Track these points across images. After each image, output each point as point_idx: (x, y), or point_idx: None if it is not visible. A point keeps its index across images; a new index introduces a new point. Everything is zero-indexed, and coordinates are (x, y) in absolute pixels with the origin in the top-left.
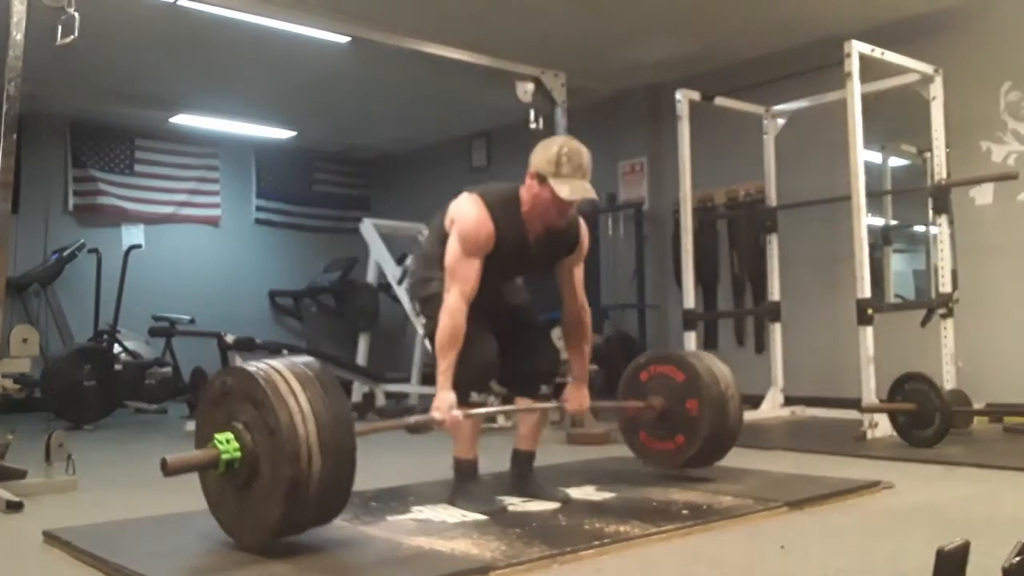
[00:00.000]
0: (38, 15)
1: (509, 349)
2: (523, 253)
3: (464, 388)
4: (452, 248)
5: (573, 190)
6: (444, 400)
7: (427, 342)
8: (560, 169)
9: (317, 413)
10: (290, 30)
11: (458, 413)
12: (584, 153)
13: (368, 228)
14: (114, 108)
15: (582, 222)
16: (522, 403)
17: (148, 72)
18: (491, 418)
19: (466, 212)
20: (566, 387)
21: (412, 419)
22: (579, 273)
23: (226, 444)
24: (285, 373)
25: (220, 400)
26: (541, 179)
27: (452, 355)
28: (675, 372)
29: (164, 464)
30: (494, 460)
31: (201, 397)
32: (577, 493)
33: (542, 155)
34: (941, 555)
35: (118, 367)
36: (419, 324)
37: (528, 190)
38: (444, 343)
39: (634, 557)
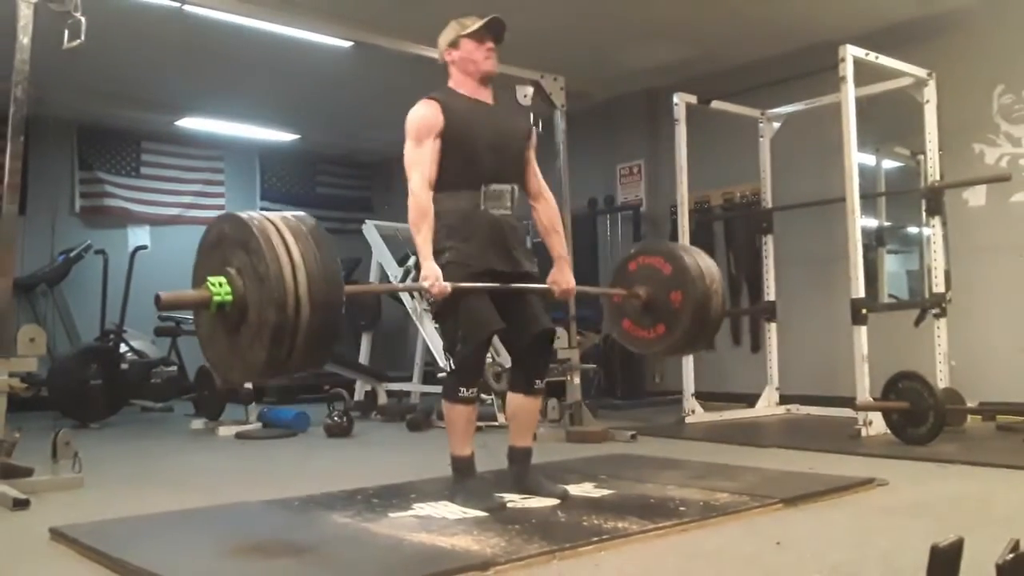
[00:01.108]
0: (45, 19)
1: (511, 326)
2: (487, 118)
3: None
4: (406, 147)
5: (485, 22)
6: (431, 270)
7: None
8: (463, 23)
9: (308, 264)
10: (294, 35)
11: (446, 285)
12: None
13: (370, 230)
14: (120, 111)
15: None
16: (514, 400)
17: (154, 76)
18: (491, 416)
19: (410, 113)
20: (551, 271)
21: (401, 284)
22: (533, 157)
23: (218, 287)
24: (279, 224)
25: (216, 245)
26: (454, 44)
27: (425, 228)
28: (663, 264)
29: (158, 299)
30: (494, 458)
31: (200, 241)
32: (576, 490)
33: (444, 33)
34: (935, 551)
35: (124, 366)
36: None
37: (453, 68)
38: (415, 219)
39: (632, 553)
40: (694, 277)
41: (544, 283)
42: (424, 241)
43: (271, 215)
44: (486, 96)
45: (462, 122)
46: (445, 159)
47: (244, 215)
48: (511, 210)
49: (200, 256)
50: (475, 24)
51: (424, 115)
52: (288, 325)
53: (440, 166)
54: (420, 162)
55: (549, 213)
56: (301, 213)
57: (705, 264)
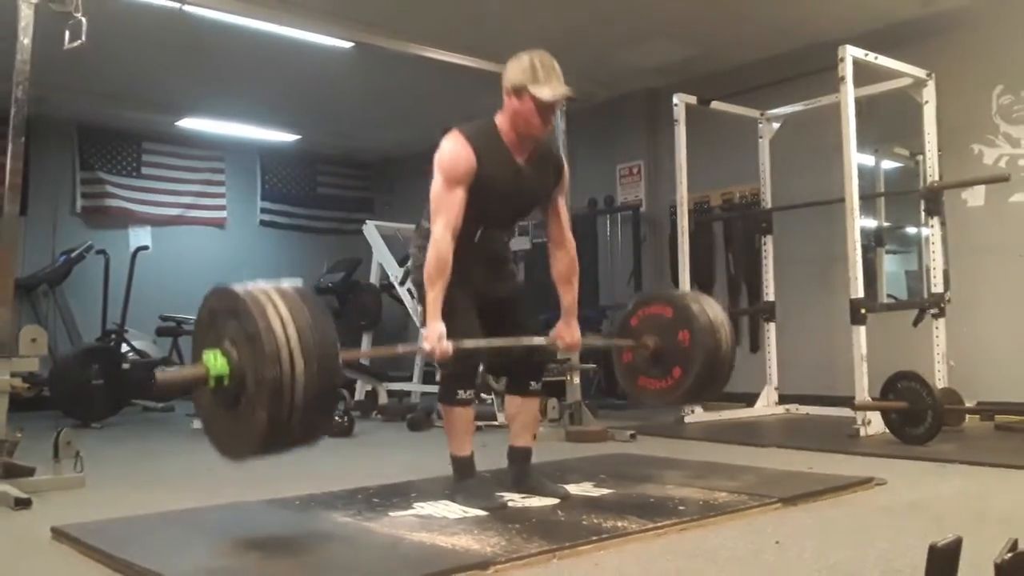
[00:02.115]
0: (46, 20)
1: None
2: (515, 179)
3: (451, 388)
4: (435, 184)
5: (554, 91)
6: (434, 331)
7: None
8: (536, 75)
9: (296, 319)
10: (294, 36)
11: (447, 345)
12: (554, 61)
13: (371, 230)
14: (121, 112)
15: (562, 150)
16: (512, 402)
17: (155, 76)
18: (490, 416)
19: (444, 147)
20: (558, 322)
21: (400, 348)
22: (563, 205)
23: (214, 361)
24: (266, 288)
25: (209, 323)
26: (519, 91)
27: (440, 286)
28: (663, 309)
29: (154, 380)
30: (494, 457)
31: (195, 320)
32: (576, 489)
33: (516, 68)
34: (933, 551)
35: (126, 366)
36: (417, 314)
37: (506, 111)
38: (432, 274)
39: (632, 552)
40: (696, 313)
41: (529, 318)
42: (436, 298)
43: (258, 283)
44: (527, 148)
45: (489, 179)
46: None
47: (232, 287)
48: (502, 244)
49: (196, 334)
50: (547, 90)
51: (461, 161)
52: (285, 381)
53: None
54: (448, 209)
55: (567, 263)
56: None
57: (706, 301)
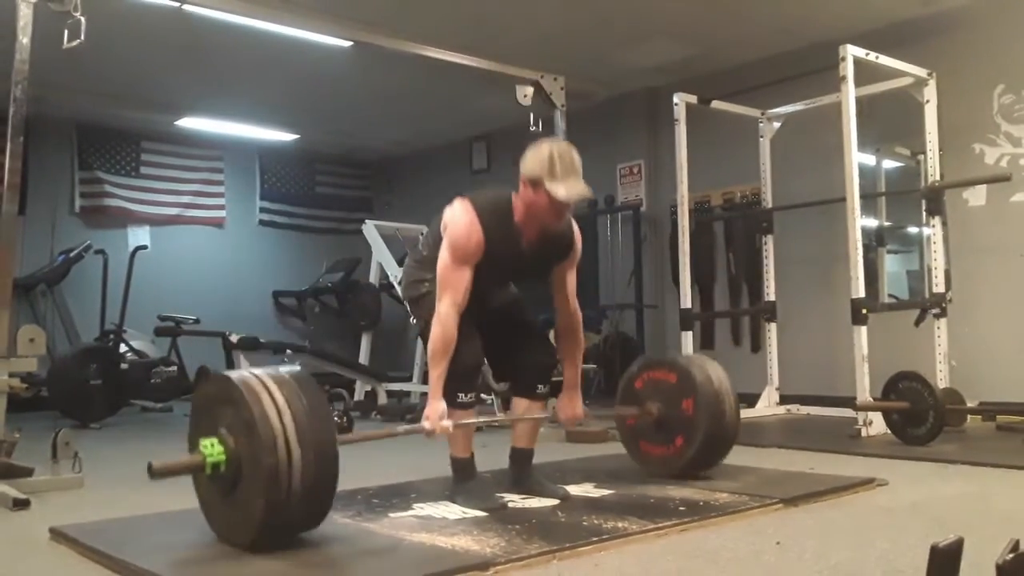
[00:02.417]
0: (44, 19)
1: (504, 347)
2: (516, 260)
3: (451, 391)
4: (443, 257)
5: (569, 191)
6: (434, 410)
7: (420, 340)
8: (554, 170)
9: (292, 406)
10: (293, 35)
11: (447, 423)
12: (574, 153)
13: (370, 229)
14: (120, 111)
15: (575, 226)
16: (519, 404)
17: (154, 76)
18: (491, 415)
19: (457, 220)
20: (559, 396)
21: (402, 429)
22: (572, 279)
23: (211, 448)
24: (260, 375)
25: (204, 409)
26: (535, 184)
27: (444, 364)
28: (667, 375)
29: (150, 468)
30: (494, 457)
31: (191, 408)
32: (576, 490)
33: (533, 159)
34: (935, 551)
35: (124, 366)
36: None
37: (522, 197)
38: (436, 352)
39: (632, 553)
40: (701, 381)
41: (531, 317)
42: (439, 377)
43: (255, 370)
44: (538, 233)
45: (490, 257)
46: None
47: (227, 374)
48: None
49: (192, 420)
50: (563, 188)
51: (471, 243)
52: (281, 468)
53: None
54: (455, 288)
55: (572, 342)
56: (288, 367)
57: (711, 367)
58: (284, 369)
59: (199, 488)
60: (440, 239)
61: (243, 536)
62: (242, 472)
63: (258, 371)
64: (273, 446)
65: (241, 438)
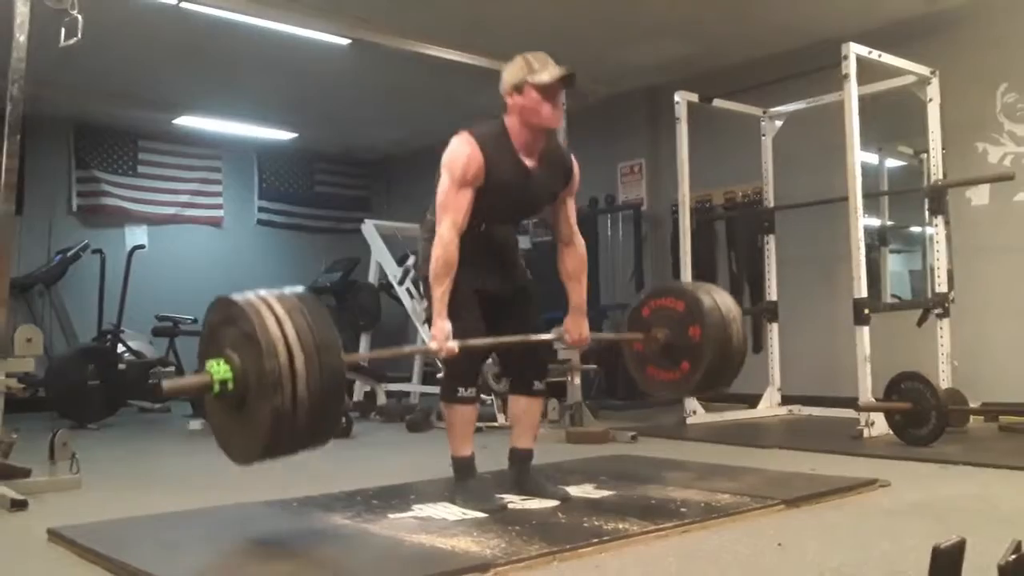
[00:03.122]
0: (41, 17)
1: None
2: (521, 189)
3: (452, 386)
4: (442, 183)
5: (552, 73)
6: (440, 329)
7: (424, 328)
8: (531, 66)
9: (292, 315)
10: (292, 32)
11: (454, 344)
12: (546, 53)
13: (369, 229)
14: (117, 110)
15: (571, 154)
16: (516, 402)
17: (151, 74)
18: (491, 417)
19: (453, 147)
20: (565, 318)
21: (408, 349)
22: (573, 206)
23: (217, 367)
24: (261, 293)
25: (210, 336)
26: (519, 87)
27: (446, 285)
28: (675, 303)
29: (159, 388)
30: (494, 458)
31: (200, 337)
32: (576, 491)
33: (510, 69)
34: (937, 553)
35: (122, 367)
36: (416, 312)
37: (513, 112)
38: (438, 272)
39: (633, 554)
40: (708, 309)
41: (535, 317)
42: (442, 296)
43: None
44: (537, 149)
45: (497, 181)
46: None
47: (228, 295)
48: (509, 236)
49: (200, 349)
50: (544, 74)
51: (469, 163)
52: (284, 372)
53: None
54: (455, 210)
55: (575, 262)
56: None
57: (719, 295)
58: (288, 288)
59: (211, 416)
60: None
61: (252, 448)
62: (249, 386)
63: (259, 291)
64: (274, 351)
65: (245, 352)
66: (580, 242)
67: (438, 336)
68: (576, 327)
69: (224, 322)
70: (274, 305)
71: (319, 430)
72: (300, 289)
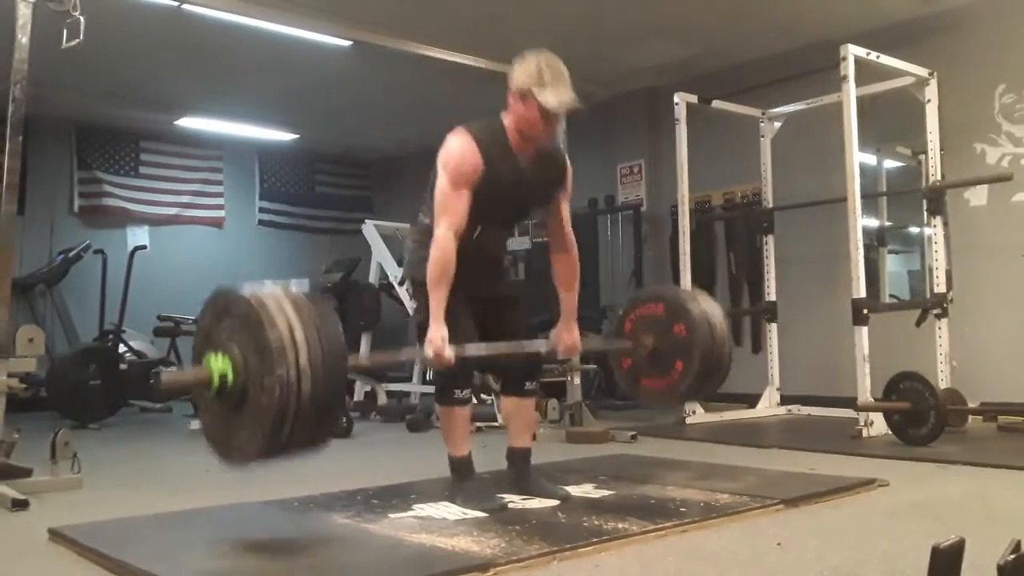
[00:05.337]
0: (43, 18)
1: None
2: (516, 186)
3: (446, 387)
4: (439, 183)
5: (559, 99)
6: (436, 334)
7: (417, 329)
8: (543, 79)
9: (303, 316)
10: (293, 34)
11: (451, 352)
12: (562, 64)
13: (370, 229)
14: (119, 111)
15: (566, 155)
16: (508, 403)
17: (153, 75)
18: (490, 416)
19: (452, 146)
20: (557, 324)
21: (404, 354)
22: (565, 207)
23: (216, 361)
24: (271, 288)
25: (209, 328)
26: (524, 95)
27: (443, 289)
28: (654, 307)
29: (158, 382)
30: (494, 457)
31: (197, 322)
32: (576, 491)
33: (521, 71)
34: (936, 552)
35: (123, 366)
36: (410, 308)
37: (513, 112)
38: (435, 276)
39: (632, 554)
40: (688, 304)
41: (524, 322)
42: (439, 301)
43: (265, 286)
44: (533, 148)
45: (493, 181)
46: None
47: (234, 288)
48: (500, 243)
49: (196, 340)
50: (552, 97)
51: (468, 163)
52: (291, 377)
53: None
54: (453, 211)
55: (568, 269)
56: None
57: (695, 293)
58: (293, 285)
59: (203, 408)
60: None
61: (249, 450)
62: (249, 385)
63: (268, 285)
64: (283, 356)
65: (249, 347)
66: (574, 248)
67: (434, 342)
68: (568, 335)
69: (229, 314)
70: (284, 304)
71: (319, 431)
72: (307, 288)
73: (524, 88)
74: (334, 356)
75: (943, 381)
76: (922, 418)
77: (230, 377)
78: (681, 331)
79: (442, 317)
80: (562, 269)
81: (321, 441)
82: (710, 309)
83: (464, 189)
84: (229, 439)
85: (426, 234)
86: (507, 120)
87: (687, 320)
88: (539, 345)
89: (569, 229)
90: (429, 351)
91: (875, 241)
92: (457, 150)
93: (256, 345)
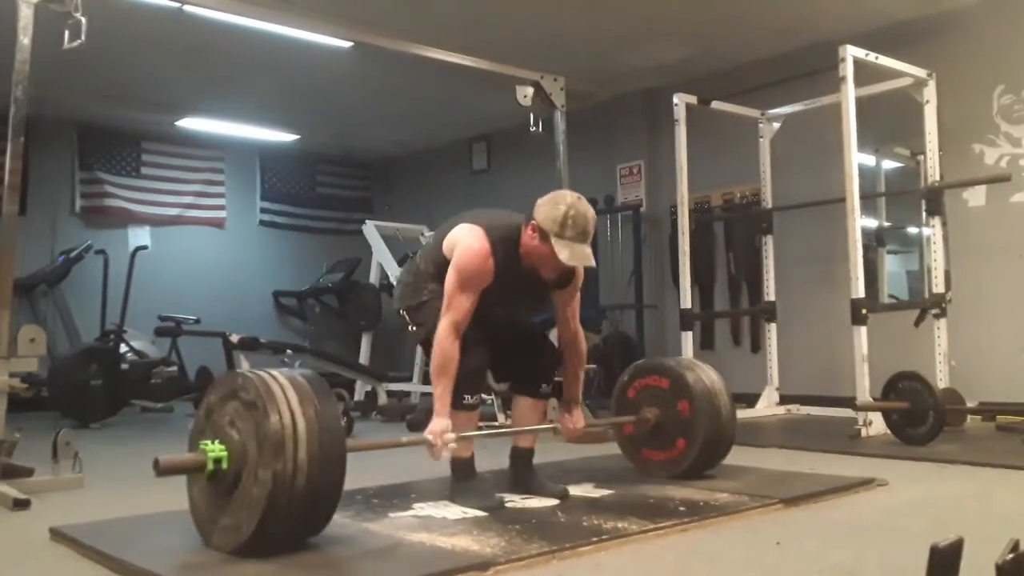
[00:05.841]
0: (45, 19)
1: (508, 349)
2: (518, 286)
3: (456, 393)
4: (451, 279)
5: (573, 255)
6: (438, 425)
7: (420, 348)
8: (564, 231)
9: (306, 413)
10: (294, 35)
11: (451, 437)
12: (590, 217)
13: (371, 230)
14: (121, 112)
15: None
16: (521, 403)
17: (154, 76)
18: (491, 417)
19: (471, 246)
20: (561, 409)
21: (405, 439)
22: (574, 304)
23: (212, 444)
24: (272, 373)
25: (212, 409)
26: (543, 235)
27: (445, 382)
28: (659, 380)
29: (156, 463)
30: (494, 457)
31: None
32: (576, 490)
33: (548, 212)
34: (934, 552)
35: (124, 366)
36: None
37: (529, 237)
38: (437, 370)
39: (632, 553)
40: (692, 382)
41: (534, 325)
42: (442, 394)
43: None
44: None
45: (503, 280)
46: None
47: (236, 372)
48: (525, 314)
49: (194, 429)
50: (568, 251)
51: (481, 270)
52: (287, 467)
53: None
54: (458, 310)
55: (576, 363)
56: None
57: (701, 369)
58: (297, 371)
59: (193, 488)
60: (442, 259)
61: (237, 540)
62: (243, 472)
63: (272, 371)
64: (281, 447)
65: (248, 433)
66: (581, 342)
67: (435, 431)
68: (571, 421)
69: (228, 396)
70: (287, 390)
71: (308, 526)
72: (309, 372)
73: (546, 228)
74: (332, 447)
75: (942, 381)
76: (921, 418)
77: (225, 457)
78: (685, 410)
79: (445, 410)
80: (570, 362)
81: (310, 534)
82: (713, 385)
83: (472, 293)
84: (213, 521)
85: (422, 278)
86: (523, 235)
87: (691, 398)
88: (543, 427)
89: (576, 325)
90: (429, 438)
91: (874, 241)
92: (476, 257)
93: (256, 433)
